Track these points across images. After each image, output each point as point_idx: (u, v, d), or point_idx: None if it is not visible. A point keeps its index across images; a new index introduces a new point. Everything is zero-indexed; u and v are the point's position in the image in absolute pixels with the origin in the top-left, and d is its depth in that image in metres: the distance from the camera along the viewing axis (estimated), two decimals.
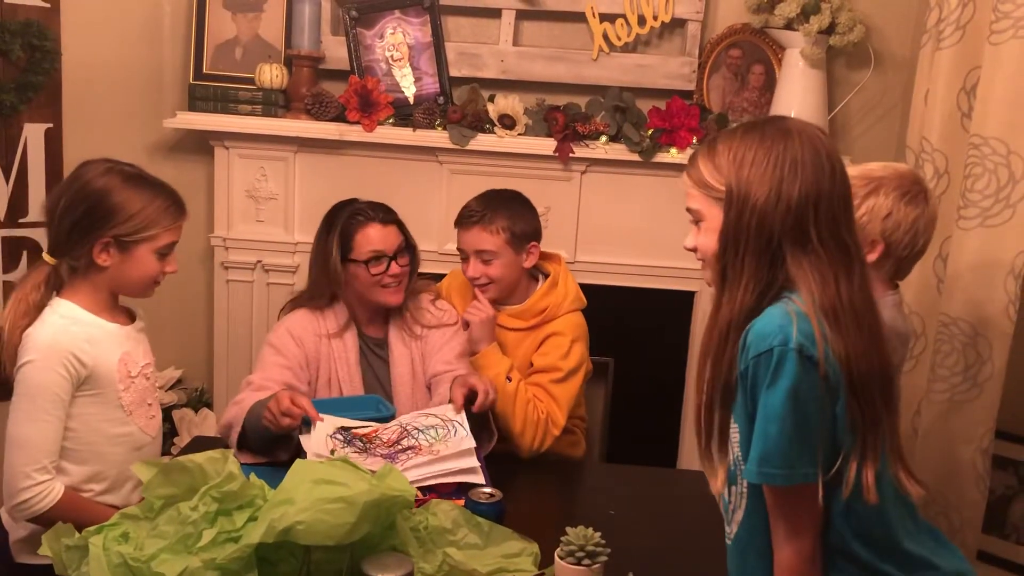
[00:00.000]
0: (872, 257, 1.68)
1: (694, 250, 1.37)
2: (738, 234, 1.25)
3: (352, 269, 2.15)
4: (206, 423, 2.85)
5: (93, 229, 1.71)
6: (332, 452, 1.82)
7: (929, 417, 2.28)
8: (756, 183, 1.24)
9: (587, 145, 2.71)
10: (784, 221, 1.23)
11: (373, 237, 2.15)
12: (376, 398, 2.10)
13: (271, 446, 1.97)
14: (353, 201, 2.23)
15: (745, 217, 1.24)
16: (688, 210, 1.35)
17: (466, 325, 2.23)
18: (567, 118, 2.69)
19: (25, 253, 2.64)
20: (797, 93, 2.68)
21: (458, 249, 2.28)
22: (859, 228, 1.54)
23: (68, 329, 1.73)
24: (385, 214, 2.19)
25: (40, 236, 2.65)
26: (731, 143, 1.28)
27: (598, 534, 1.51)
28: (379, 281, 2.14)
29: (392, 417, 2.01)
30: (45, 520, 1.66)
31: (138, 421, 1.84)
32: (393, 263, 2.15)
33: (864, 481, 1.22)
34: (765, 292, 1.26)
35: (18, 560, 1.78)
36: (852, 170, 1.59)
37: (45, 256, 1.78)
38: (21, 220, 2.63)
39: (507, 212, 2.21)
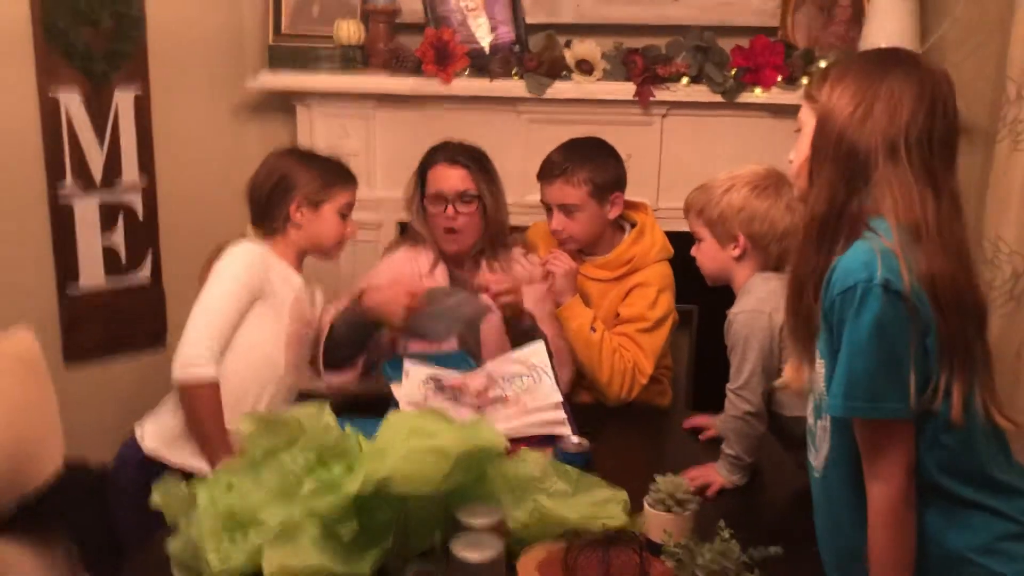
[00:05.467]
0: (737, 251, 1.81)
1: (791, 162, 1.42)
2: (822, 143, 1.30)
3: (425, 205, 2.20)
4: None
5: (286, 193, 2.02)
6: (425, 399, 1.87)
7: None
8: (845, 100, 1.28)
9: (668, 88, 2.65)
10: (869, 142, 1.25)
11: (438, 176, 2.20)
12: (461, 354, 2.14)
13: (358, 344, 2.12)
14: (448, 142, 2.28)
15: (828, 129, 1.29)
16: (798, 119, 1.40)
17: (546, 275, 2.23)
18: (646, 61, 2.64)
19: (121, 215, 2.74)
20: (887, 24, 2.56)
21: (541, 202, 2.27)
22: (721, 223, 1.79)
23: (264, 251, 2.02)
24: (459, 155, 2.21)
25: (135, 200, 2.75)
26: (844, 63, 1.34)
27: (687, 481, 1.52)
28: (438, 223, 2.17)
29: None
30: (193, 391, 1.88)
31: (288, 358, 2.03)
32: (450, 207, 2.16)
33: (952, 403, 1.21)
34: (840, 210, 1.28)
35: (146, 447, 1.95)
36: (720, 173, 1.84)
37: (248, 229, 2.07)
38: (117, 185, 2.72)
39: (590, 163, 2.18)
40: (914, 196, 1.23)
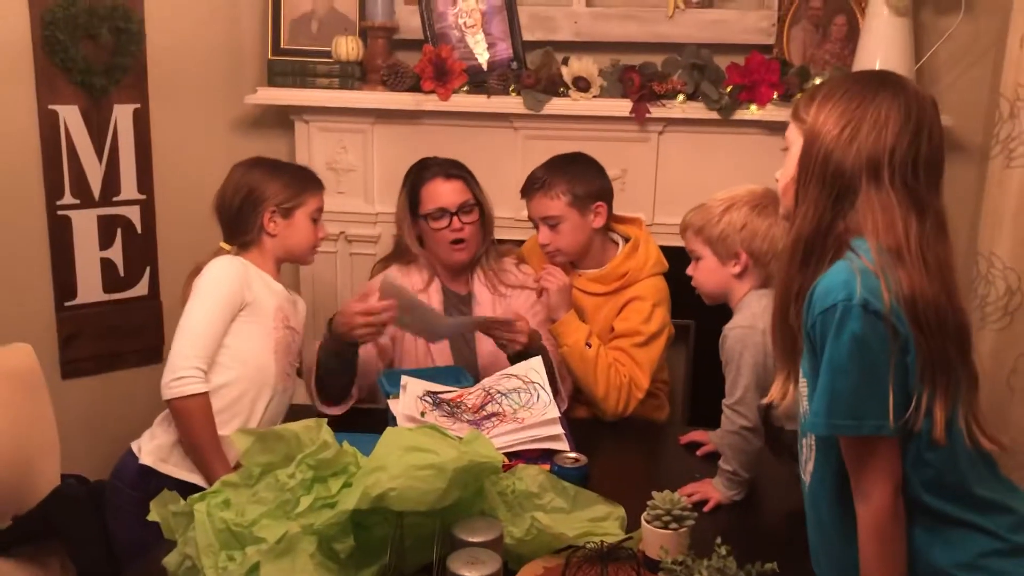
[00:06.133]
0: (737, 268, 1.82)
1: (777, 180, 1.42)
2: (807, 163, 1.31)
3: (422, 224, 2.22)
4: (296, 392, 2.93)
5: (257, 205, 2.04)
6: (422, 414, 1.87)
7: None
8: (832, 122, 1.29)
9: (664, 105, 2.67)
10: (854, 164, 1.26)
11: (436, 192, 2.21)
12: (458, 369, 2.14)
13: (343, 371, 2.09)
14: (429, 158, 2.30)
15: (814, 149, 1.30)
16: (786, 137, 1.41)
17: (540, 292, 2.24)
18: (643, 78, 2.65)
19: (120, 231, 2.74)
20: (882, 43, 2.58)
21: (529, 218, 2.29)
22: (722, 241, 1.80)
23: (243, 263, 2.03)
24: (452, 169, 2.24)
25: (133, 214, 2.76)
26: (831, 84, 1.34)
27: (684, 498, 1.52)
28: (444, 237, 2.19)
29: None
30: (184, 407, 1.88)
31: (278, 364, 2.03)
32: (455, 219, 2.18)
33: (934, 421, 1.22)
34: (826, 231, 1.29)
35: (143, 461, 1.95)
36: (717, 193, 1.85)
37: (222, 244, 2.08)
38: (115, 199, 2.73)
39: (567, 175, 2.20)
40: (896, 218, 1.24)
